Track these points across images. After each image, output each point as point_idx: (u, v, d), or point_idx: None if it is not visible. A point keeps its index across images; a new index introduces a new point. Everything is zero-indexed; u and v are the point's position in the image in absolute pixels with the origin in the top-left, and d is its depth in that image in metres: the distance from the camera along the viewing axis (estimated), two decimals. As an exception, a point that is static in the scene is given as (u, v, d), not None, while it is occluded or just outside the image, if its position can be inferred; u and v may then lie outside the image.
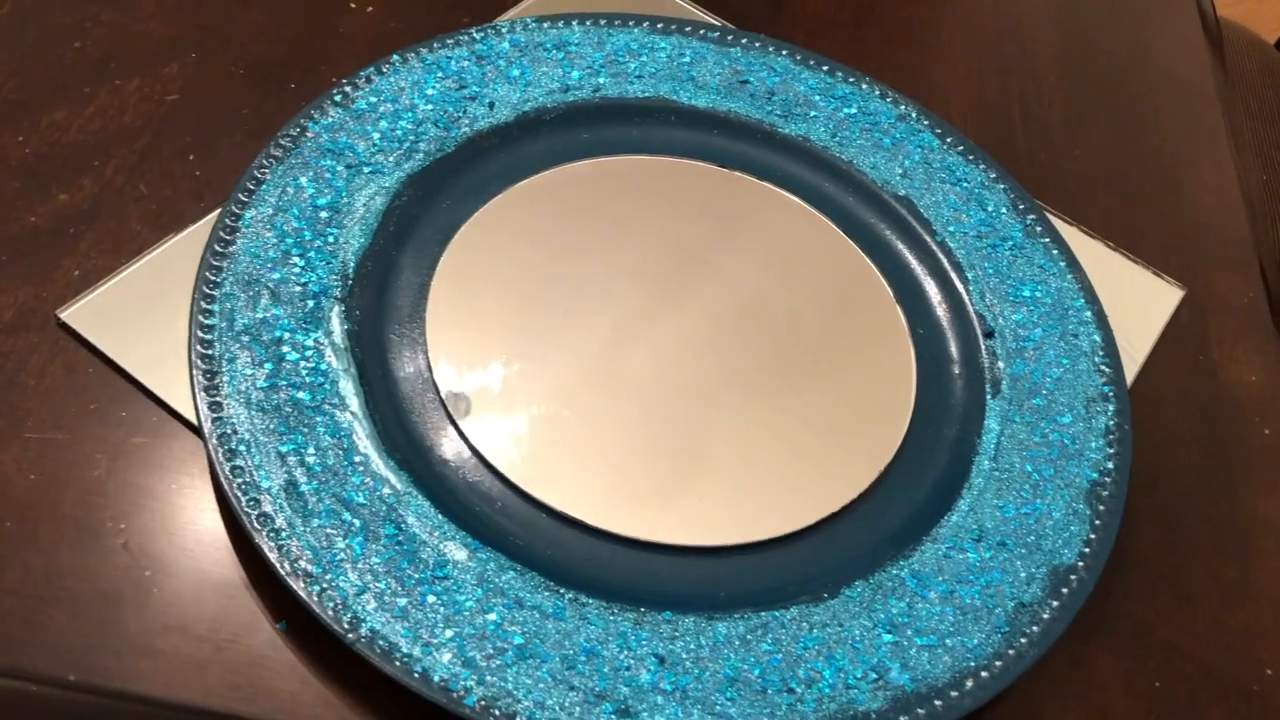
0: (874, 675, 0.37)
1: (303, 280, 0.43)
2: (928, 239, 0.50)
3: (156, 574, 0.38)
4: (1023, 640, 0.39)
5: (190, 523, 0.39)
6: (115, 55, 0.51)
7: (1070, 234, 0.53)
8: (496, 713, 0.35)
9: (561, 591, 0.38)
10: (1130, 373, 0.49)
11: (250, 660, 0.37)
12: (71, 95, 0.49)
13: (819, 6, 0.61)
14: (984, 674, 0.38)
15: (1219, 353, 0.51)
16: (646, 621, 0.38)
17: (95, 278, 0.44)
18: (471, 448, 0.41)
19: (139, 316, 0.43)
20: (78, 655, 0.36)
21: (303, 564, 0.36)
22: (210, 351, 0.40)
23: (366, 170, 0.46)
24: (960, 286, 0.49)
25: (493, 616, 0.37)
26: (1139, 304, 0.52)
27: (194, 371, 0.40)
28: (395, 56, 0.50)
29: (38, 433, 0.40)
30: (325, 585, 0.36)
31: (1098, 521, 0.42)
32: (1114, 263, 0.53)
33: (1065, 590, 0.40)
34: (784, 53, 0.54)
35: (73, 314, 0.43)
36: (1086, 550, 0.41)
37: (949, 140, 0.53)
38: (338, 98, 0.48)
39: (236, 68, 0.52)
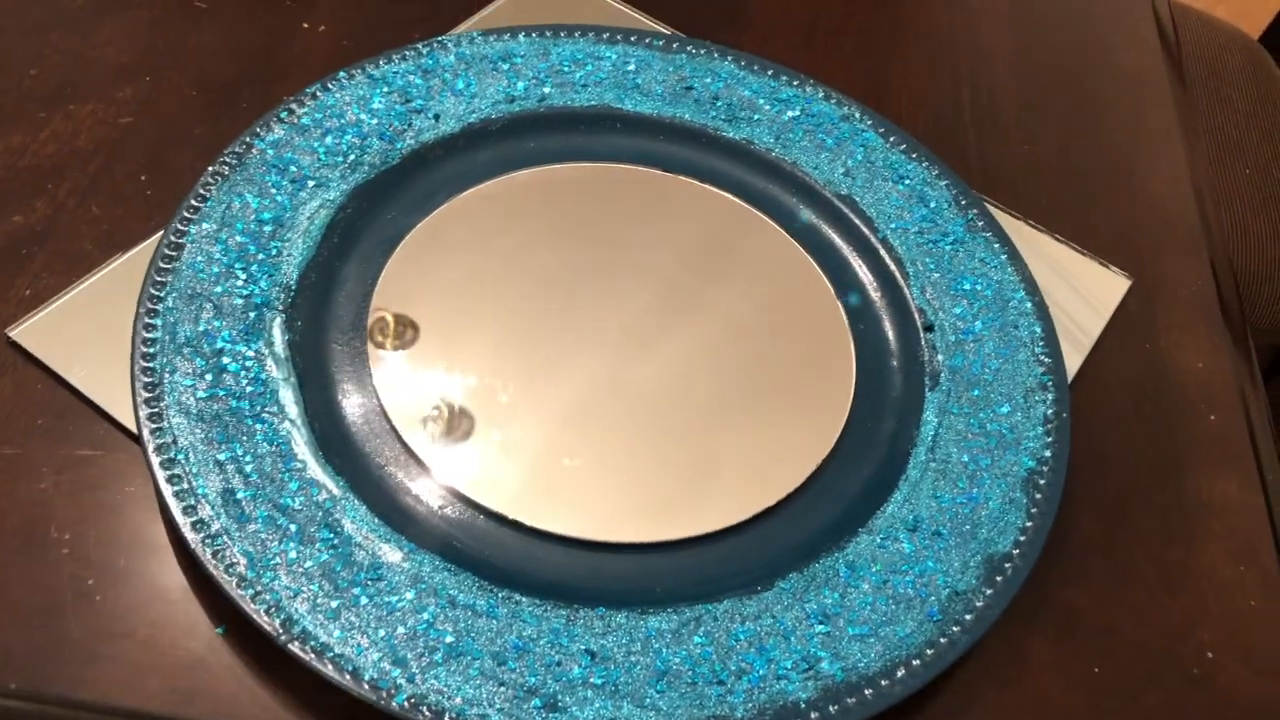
0: (805, 665, 0.38)
1: (245, 293, 0.44)
2: (869, 236, 0.50)
3: (100, 582, 0.39)
4: (955, 628, 0.39)
5: (133, 532, 0.40)
6: (71, 80, 0.52)
7: (1018, 228, 0.54)
8: (425, 710, 0.35)
9: (495, 590, 0.38)
10: (1075, 362, 0.49)
11: (190, 664, 0.37)
12: (27, 120, 0.51)
13: (771, 13, 0.62)
14: (915, 662, 0.38)
15: (1166, 340, 0.51)
16: (579, 618, 0.38)
17: (46, 296, 0.45)
18: (409, 451, 0.42)
19: (87, 333, 0.44)
20: (20, 663, 0.37)
21: (238, 568, 0.37)
22: (152, 364, 0.41)
23: (311, 184, 0.47)
24: (901, 282, 0.49)
25: (425, 616, 0.37)
26: (1086, 295, 0.52)
27: (135, 383, 0.40)
28: (341, 73, 0.51)
29: (-14, 448, 0.41)
30: (259, 588, 0.37)
31: (1034, 509, 0.42)
32: (1061, 255, 0.53)
33: (1000, 578, 0.41)
34: (729, 59, 0.55)
35: (22, 332, 0.44)
36: (1022, 538, 0.42)
37: (892, 139, 0.53)
38: (283, 114, 0.49)
39: (190, 89, 0.53)
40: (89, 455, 0.41)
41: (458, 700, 0.35)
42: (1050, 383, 0.46)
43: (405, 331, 0.45)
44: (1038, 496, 0.43)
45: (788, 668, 0.38)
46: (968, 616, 0.40)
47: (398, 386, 0.43)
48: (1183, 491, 0.46)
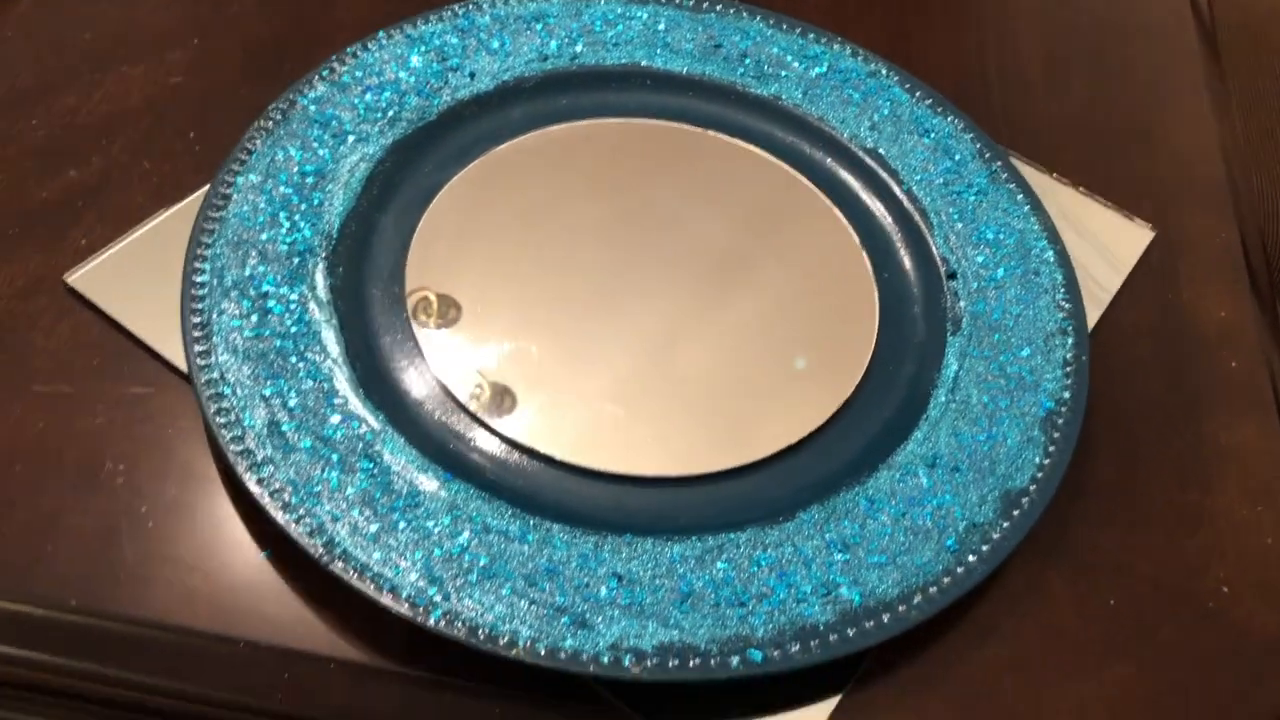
0: (824, 590, 0.39)
1: (289, 240, 0.46)
2: (894, 188, 0.51)
3: (151, 510, 0.41)
4: (971, 558, 0.40)
5: (183, 464, 0.42)
6: (122, 44, 0.55)
7: (1042, 180, 0.54)
8: (460, 626, 0.37)
9: (527, 518, 0.40)
10: (1097, 310, 0.50)
11: (237, 586, 0.39)
12: (82, 82, 0.53)
13: (800, -26, 0.63)
14: (932, 589, 0.40)
15: (1189, 291, 0.52)
16: (607, 544, 0.40)
17: (100, 246, 0.47)
18: (444, 388, 0.43)
19: (139, 279, 0.46)
20: (78, 583, 0.39)
21: (283, 495, 0.39)
22: (201, 305, 0.43)
23: (351, 138, 0.49)
24: (925, 231, 0.50)
25: (460, 540, 0.39)
26: (1109, 246, 0.53)
27: (185, 323, 0.42)
28: (380, 34, 0.53)
29: (46, 386, 0.43)
30: (303, 514, 0.39)
31: (1051, 447, 0.43)
32: (1085, 206, 0.54)
33: (1016, 512, 0.42)
34: (757, 17, 0.56)
35: (79, 279, 0.46)
36: (1039, 475, 0.43)
37: (918, 94, 0.54)
38: (325, 73, 0.51)
39: (235, 52, 0.55)
40: (141, 393, 0.43)
41: (490, 617, 0.37)
42: (1070, 327, 0.47)
43: (444, 303, 0.46)
44: (1055, 435, 0.44)
45: (807, 592, 0.39)
46: (984, 547, 0.41)
47: (433, 331, 0.45)
48: (1201, 435, 0.47)
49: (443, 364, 0.44)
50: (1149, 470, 0.46)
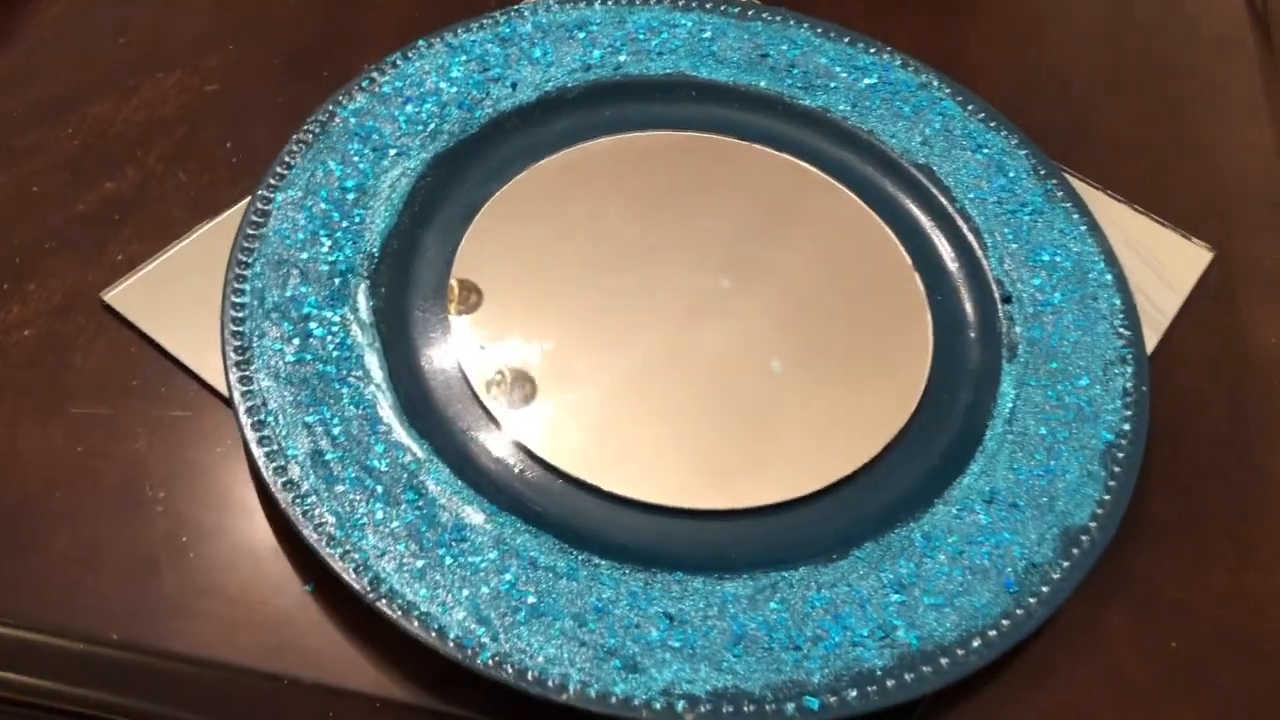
0: (880, 633, 0.38)
1: (330, 259, 0.45)
2: (947, 206, 0.50)
3: (193, 539, 0.40)
4: (1031, 600, 0.39)
5: (224, 491, 0.41)
6: (157, 50, 0.54)
7: (1097, 198, 0.53)
8: (509, 668, 0.36)
9: (574, 552, 0.39)
10: (1154, 335, 0.49)
11: (279, 620, 0.39)
12: (117, 88, 0.52)
13: (846, -22, 0.62)
14: (991, 633, 0.38)
15: (1248, 315, 0.50)
16: (657, 582, 0.39)
17: (137, 261, 0.46)
18: (490, 416, 0.42)
19: (177, 297, 0.45)
20: (119, 616, 0.38)
21: (327, 528, 0.38)
22: (241, 328, 0.42)
23: (392, 152, 0.48)
24: (979, 253, 0.49)
25: (507, 577, 0.38)
26: (1166, 267, 0.51)
27: (226, 347, 0.42)
28: (420, 42, 0.52)
29: (84, 408, 0.42)
30: (348, 548, 0.38)
31: (1112, 483, 0.42)
32: (1141, 226, 0.53)
33: (1076, 550, 0.40)
34: (805, 25, 0.55)
35: (115, 296, 0.45)
36: (1099, 511, 0.41)
37: (970, 107, 0.53)
38: (364, 83, 0.50)
39: (272, 59, 0.54)
40: (181, 416, 0.43)
41: (540, 659, 0.36)
42: (1130, 356, 0.45)
43: (469, 297, 0.45)
44: (1115, 470, 0.42)
45: (863, 635, 0.38)
46: (1044, 588, 0.40)
47: (478, 353, 0.44)
48: (1263, 467, 0.46)
49: (487, 388, 0.43)
50: (1208, 504, 0.45)
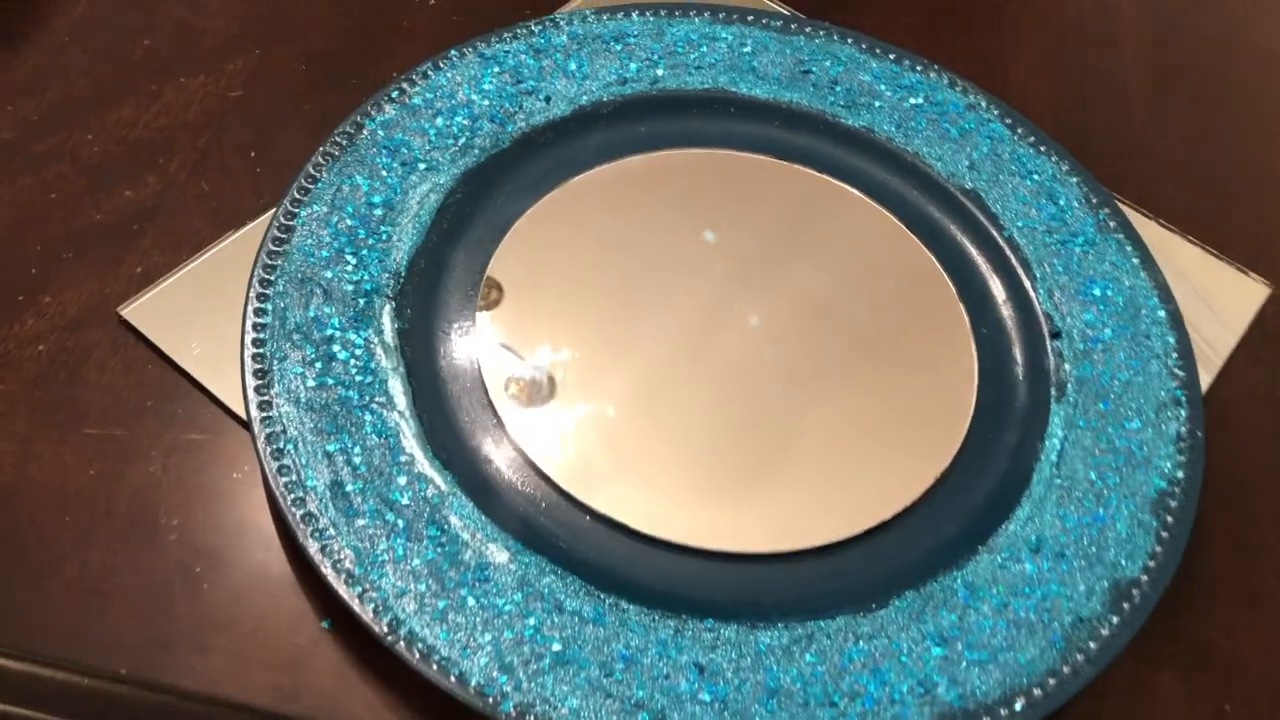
0: (921, 690, 0.36)
1: (355, 278, 0.43)
2: (994, 234, 0.48)
3: (207, 570, 0.39)
4: (1079, 657, 0.37)
5: (241, 520, 0.40)
6: (182, 52, 0.52)
7: (1148, 228, 0.51)
8: (532, 719, 0.34)
9: (601, 596, 0.37)
10: (1208, 376, 0.47)
11: (294, 658, 0.37)
12: (139, 92, 0.50)
13: (890, -9, 0.60)
14: (1036, 691, 0.37)
15: (1307, 354, 0.48)
16: (687, 629, 0.37)
17: (156, 274, 0.45)
18: (517, 449, 0.41)
19: (196, 313, 0.44)
20: (129, 649, 0.37)
21: (345, 564, 0.37)
22: (262, 350, 0.41)
23: (422, 167, 0.46)
24: (1027, 284, 0.47)
25: (531, 621, 0.36)
26: (1221, 303, 0.49)
27: (245, 370, 0.40)
28: (453, 51, 0.50)
29: (98, 429, 0.41)
30: (367, 586, 0.36)
31: (1164, 533, 0.40)
32: (1195, 258, 0.51)
33: (1127, 605, 0.39)
34: (849, 41, 0.53)
35: (132, 311, 0.43)
36: (1151, 563, 0.40)
37: (1020, 131, 0.51)
38: (394, 94, 0.48)
39: (299, 63, 0.52)
40: (197, 439, 0.41)
41: (564, 710, 0.35)
42: (1184, 398, 0.43)
43: (495, 301, 0.44)
44: (1168, 519, 0.41)
45: (903, 692, 0.36)
46: (1092, 645, 0.38)
47: (506, 380, 0.42)
48: (1321, 517, 0.44)
49: (515, 418, 0.41)
50: (1265, 557, 0.43)
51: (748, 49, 0.52)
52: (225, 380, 0.42)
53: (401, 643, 0.35)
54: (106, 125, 0.49)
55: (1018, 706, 0.36)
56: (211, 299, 0.44)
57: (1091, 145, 0.54)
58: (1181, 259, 0.50)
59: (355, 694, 0.37)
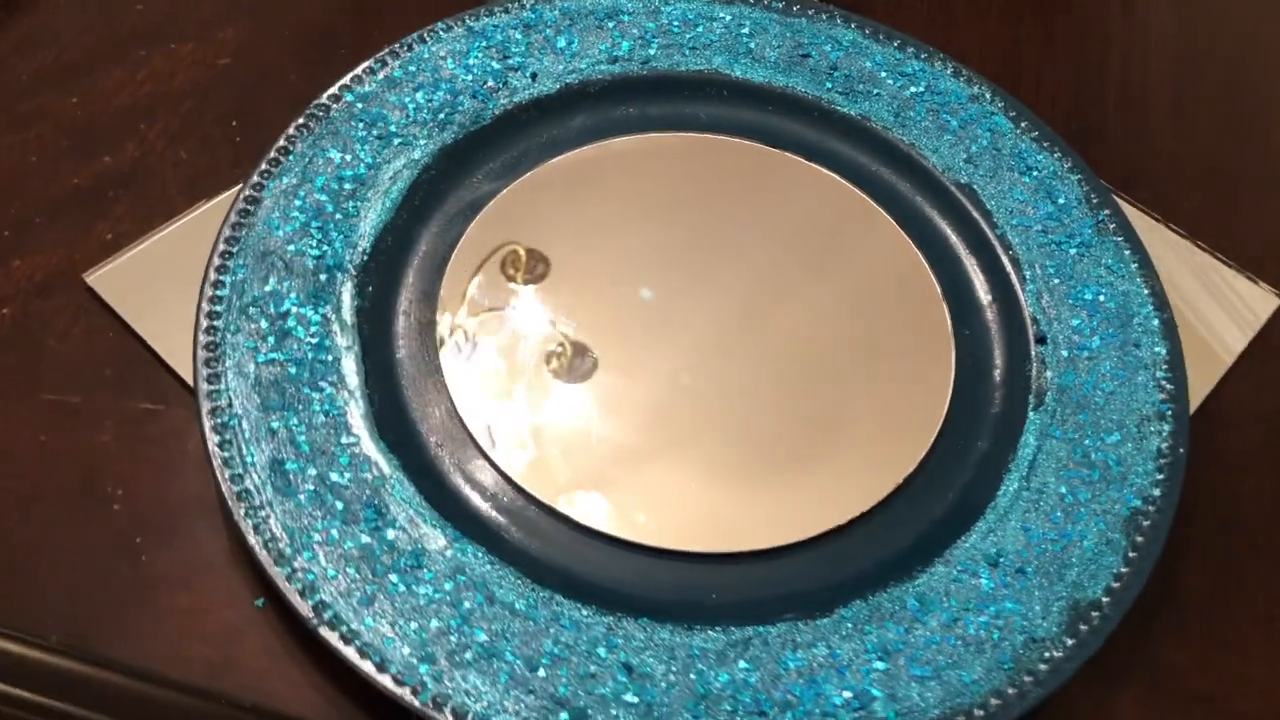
0: (856, 704, 0.35)
1: (318, 253, 0.43)
2: (986, 231, 0.46)
3: (147, 542, 0.38)
4: (1027, 679, 0.36)
5: (184, 493, 0.39)
6: (175, 18, 0.52)
7: (1156, 232, 0.49)
8: (448, 712, 0.34)
9: (537, 589, 0.37)
10: (1205, 386, 0.44)
11: (226, 635, 0.37)
12: (128, 57, 0.50)
13: (908, -25, 0.58)
14: (978, 712, 0.35)
15: (1314, 370, 0.46)
16: (620, 628, 0.36)
17: (125, 242, 0.45)
18: (468, 433, 0.40)
19: (161, 283, 0.43)
20: (63, 616, 0.37)
21: (278, 544, 0.36)
22: (217, 322, 0.40)
23: (397, 142, 0.46)
24: (1016, 285, 0.45)
25: (460, 611, 0.36)
26: (1227, 312, 0.47)
27: (197, 342, 0.40)
28: (440, 25, 0.49)
29: (54, 394, 0.41)
30: (296, 567, 0.36)
31: (1133, 554, 0.38)
32: (1202, 264, 0.48)
33: (1084, 627, 0.37)
34: (852, 25, 0.51)
35: (98, 279, 0.43)
36: (1115, 584, 0.38)
37: (1024, 125, 0.49)
38: (375, 66, 0.47)
39: (290, 33, 0.52)
40: (150, 410, 0.41)
41: (482, 704, 0.34)
42: (1169, 412, 0.41)
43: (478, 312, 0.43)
44: (1139, 540, 0.39)
45: (837, 704, 0.35)
46: (1042, 667, 0.36)
47: (462, 363, 0.42)
48: (1312, 544, 0.42)
49: (469, 401, 0.41)
50: (1244, 583, 0.41)
51: (745, 30, 0.51)
52: (183, 352, 0.42)
53: (325, 626, 0.35)
54: (94, 90, 0.49)
55: (957, 726, 0.35)
56: (178, 269, 0.44)
57: (1105, 144, 0.52)
58: (1188, 266, 0.48)
59: (284, 674, 0.36)
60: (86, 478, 0.39)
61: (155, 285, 0.43)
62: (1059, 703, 0.37)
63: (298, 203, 0.44)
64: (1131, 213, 0.48)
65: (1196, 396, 0.44)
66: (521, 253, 0.44)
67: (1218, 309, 0.47)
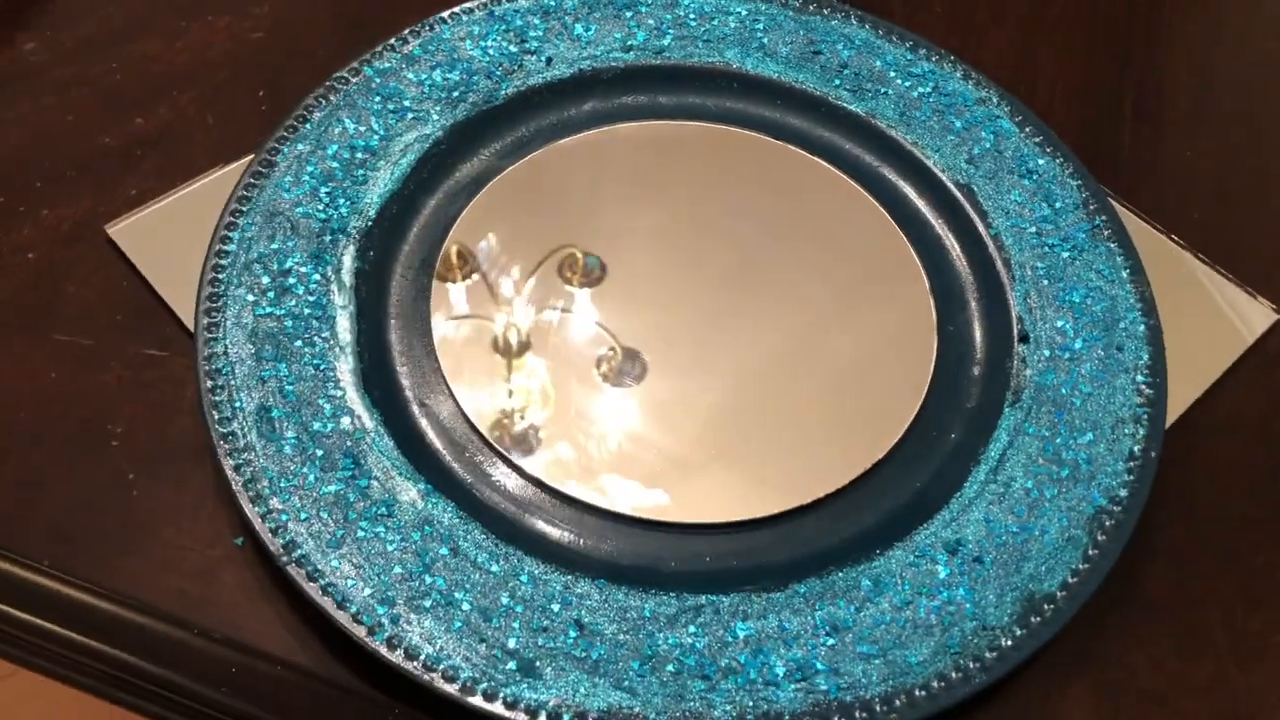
0: (799, 675, 0.36)
1: (324, 216, 0.44)
2: (981, 230, 0.47)
3: (140, 478, 0.40)
4: (973, 664, 0.36)
5: (179, 434, 0.41)
6: (214, -9, 0.54)
7: (1157, 242, 0.49)
8: (401, 652, 0.35)
9: (500, 545, 0.38)
10: (1193, 391, 0.44)
11: (206, 570, 0.39)
12: (167, 28, 0.53)
13: (932, -20, 0.58)
14: (919, 692, 0.36)
15: (1306, 387, 0.46)
16: (577, 587, 0.37)
17: (149, 198, 0.47)
18: (450, 394, 0.42)
19: (177, 238, 0.45)
20: (54, 542, 0.39)
21: (256, 485, 0.38)
22: (221, 275, 0.42)
23: (410, 116, 0.48)
24: (1005, 284, 0.45)
25: (423, 561, 0.37)
26: (1223, 323, 0.47)
27: (201, 290, 0.42)
28: (462, 8, 0.51)
29: (67, 335, 0.43)
30: (271, 507, 0.37)
31: (1094, 551, 0.39)
32: (1202, 277, 0.48)
33: (1036, 619, 0.37)
34: (865, 24, 0.52)
35: (119, 231, 0.46)
36: (1072, 580, 0.38)
37: (1028, 129, 0.49)
38: (395, 43, 0.49)
39: (321, 12, 0.54)
40: (155, 355, 0.43)
41: (435, 648, 0.35)
42: (1145, 416, 0.42)
43: (465, 266, 0.45)
44: (1101, 539, 0.39)
45: (780, 675, 0.36)
46: (990, 654, 0.37)
47: (455, 327, 0.43)
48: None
49: (454, 364, 0.42)
50: (1209, 587, 0.41)
51: (760, 26, 0.52)
52: (191, 303, 0.43)
53: (293, 565, 0.36)
54: (132, 57, 0.52)
55: (897, 703, 0.36)
56: (194, 226, 0.46)
57: (1116, 153, 0.52)
58: (1187, 276, 0.48)
59: (256, 611, 0.38)
60: (90, 415, 0.42)
61: (172, 240, 0.46)
62: (1008, 692, 0.38)
63: (310, 168, 0.45)
64: (1135, 222, 0.49)
65: (1182, 404, 0.44)
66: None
67: (1212, 320, 0.47)
